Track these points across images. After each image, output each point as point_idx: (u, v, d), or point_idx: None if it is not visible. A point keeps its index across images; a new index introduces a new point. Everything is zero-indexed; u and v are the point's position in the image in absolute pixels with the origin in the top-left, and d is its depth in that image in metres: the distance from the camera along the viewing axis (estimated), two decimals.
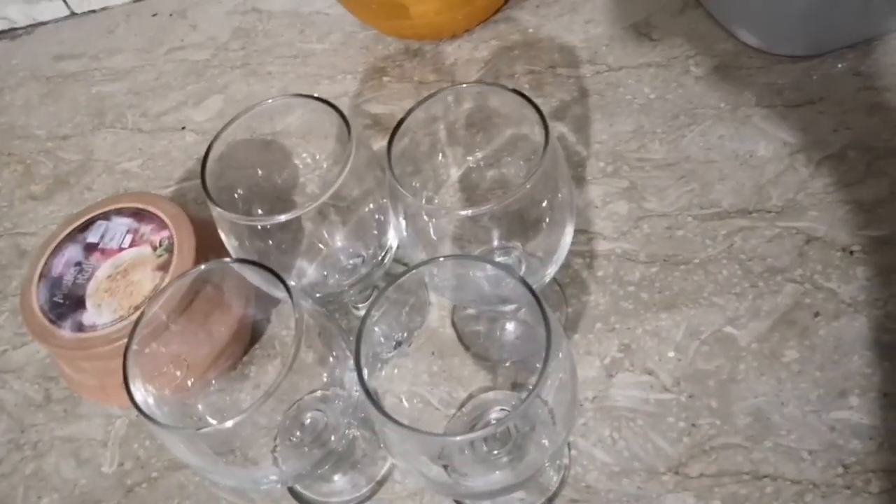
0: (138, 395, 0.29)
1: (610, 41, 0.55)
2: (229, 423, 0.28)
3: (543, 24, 0.58)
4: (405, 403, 0.41)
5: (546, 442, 0.31)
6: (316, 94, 0.58)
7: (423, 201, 0.41)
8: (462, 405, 0.41)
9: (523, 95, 0.34)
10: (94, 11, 0.72)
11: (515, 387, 0.42)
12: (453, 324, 0.44)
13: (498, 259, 0.39)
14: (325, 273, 0.42)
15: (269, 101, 0.38)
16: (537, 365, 0.40)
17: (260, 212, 0.42)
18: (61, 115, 0.65)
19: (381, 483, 0.41)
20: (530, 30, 0.58)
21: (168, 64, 0.66)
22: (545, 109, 0.52)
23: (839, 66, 0.50)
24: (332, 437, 0.35)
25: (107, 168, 0.60)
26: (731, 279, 0.43)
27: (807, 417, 0.38)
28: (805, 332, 0.40)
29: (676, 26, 0.55)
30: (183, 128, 0.61)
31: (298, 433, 0.37)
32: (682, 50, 0.53)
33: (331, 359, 0.35)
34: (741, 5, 0.51)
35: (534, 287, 0.30)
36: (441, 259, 0.30)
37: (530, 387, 0.41)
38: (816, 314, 0.41)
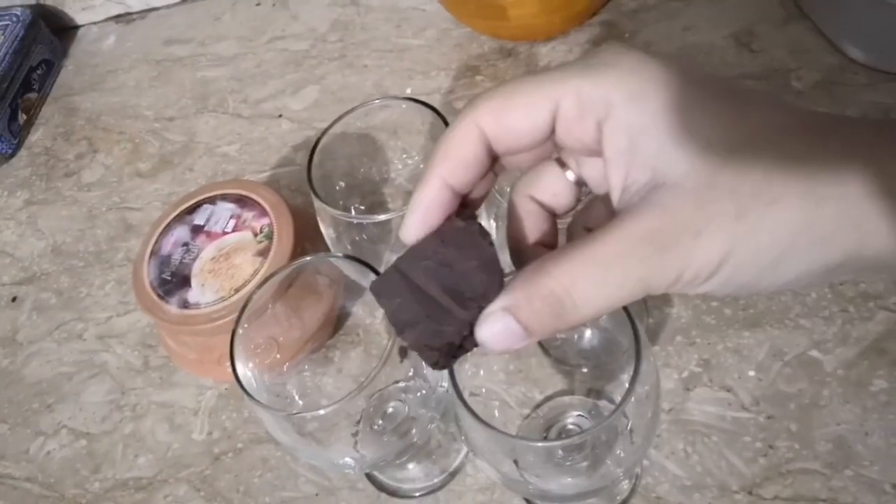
0: (242, 374, 0.32)
1: (708, 50, 0.54)
2: (322, 412, 0.30)
3: (640, 30, 0.57)
4: (481, 400, 0.42)
5: (623, 454, 0.32)
6: (409, 91, 0.60)
7: None
8: (537, 406, 0.42)
9: None
10: None
11: (591, 392, 0.42)
12: None
13: None
14: None
15: (377, 101, 0.39)
16: (618, 372, 0.41)
17: (357, 204, 0.44)
18: (168, 97, 0.68)
19: (453, 474, 0.42)
20: (626, 35, 0.58)
21: (269, 53, 0.68)
22: None
23: None
24: (414, 430, 0.36)
25: (207, 151, 0.63)
26: (821, 302, 0.42)
27: (892, 450, 0.37)
28: None
29: (779, 37, 0.53)
30: (280, 115, 0.63)
31: (381, 421, 0.39)
32: (784, 62, 0.52)
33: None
34: (851, 18, 0.49)
35: None
36: None
37: (608, 394, 0.42)
38: None
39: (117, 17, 0.78)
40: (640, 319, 0.44)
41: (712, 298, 0.44)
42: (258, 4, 0.73)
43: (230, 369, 0.32)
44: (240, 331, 0.32)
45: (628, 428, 0.32)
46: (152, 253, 0.45)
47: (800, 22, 0.54)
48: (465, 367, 0.43)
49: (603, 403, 0.41)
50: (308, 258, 0.34)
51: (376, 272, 0.32)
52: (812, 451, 0.38)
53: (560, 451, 0.35)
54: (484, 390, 0.43)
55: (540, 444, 0.28)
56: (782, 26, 0.54)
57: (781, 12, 0.55)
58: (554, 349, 0.44)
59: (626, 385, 0.29)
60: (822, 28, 0.52)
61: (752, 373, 0.41)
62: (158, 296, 0.43)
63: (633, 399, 0.29)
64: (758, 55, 0.53)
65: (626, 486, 0.39)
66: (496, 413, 0.40)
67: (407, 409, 0.39)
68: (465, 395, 0.40)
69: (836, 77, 0.50)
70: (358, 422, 0.37)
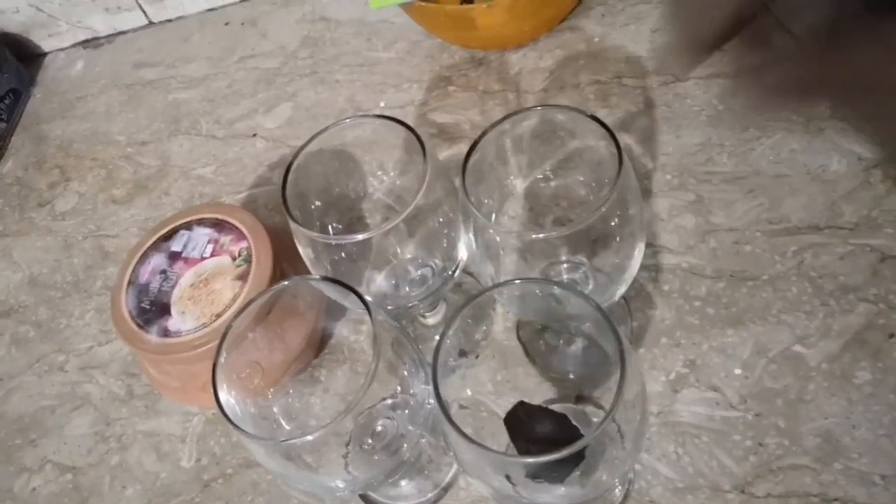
0: (227, 405, 0.31)
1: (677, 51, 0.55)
2: (310, 437, 0.30)
3: (609, 34, 0.58)
4: (470, 412, 0.42)
5: (615, 460, 0.32)
6: (383, 104, 0.60)
7: (493, 217, 0.42)
8: None
9: (600, 122, 0.34)
10: (170, 21, 0.75)
11: (579, 400, 0.42)
12: (518, 336, 0.45)
13: (565, 275, 0.40)
14: (394, 283, 0.43)
15: (348, 120, 0.39)
16: (604, 378, 0.41)
17: (335, 223, 0.44)
18: (140, 121, 0.68)
19: (446, 489, 0.42)
20: (595, 39, 0.58)
21: (240, 72, 0.68)
22: (610, 120, 0.53)
23: None
24: (404, 446, 0.36)
25: (182, 174, 0.62)
26: (801, 297, 0.43)
27: (879, 441, 0.37)
28: (878, 354, 0.40)
29: (746, 36, 0.54)
30: (254, 134, 0.63)
31: (370, 440, 0.38)
32: (752, 60, 0.52)
33: (402, 368, 0.36)
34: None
35: (603, 305, 0.30)
36: (517, 282, 0.31)
37: (595, 400, 0.42)
38: (891, 335, 0.40)
39: (84, 43, 0.77)
40: (623, 323, 0.44)
41: (695, 298, 0.44)
42: (227, 24, 0.73)
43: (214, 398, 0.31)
44: (221, 360, 0.32)
45: (618, 434, 0.32)
46: (130, 282, 0.44)
47: (765, 18, 0.54)
48: (453, 379, 0.43)
49: (590, 410, 0.41)
50: (286, 283, 0.33)
51: (357, 293, 0.32)
52: (801, 447, 0.38)
53: None
54: (472, 402, 0.43)
55: (530, 459, 0.28)
56: (748, 25, 0.55)
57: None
58: (540, 357, 0.44)
59: (614, 390, 0.29)
60: (787, 24, 0.53)
61: (738, 371, 0.41)
62: (138, 325, 0.43)
63: (621, 405, 0.29)
64: (725, 54, 0.53)
65: (619, 492, 0.39)
66: (485, 425, 0.40)
67: (396, 426, 0.39)
68: (454, 408, 0.40)
69: None
70: (347, 443, 0.37)
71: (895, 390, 0.39)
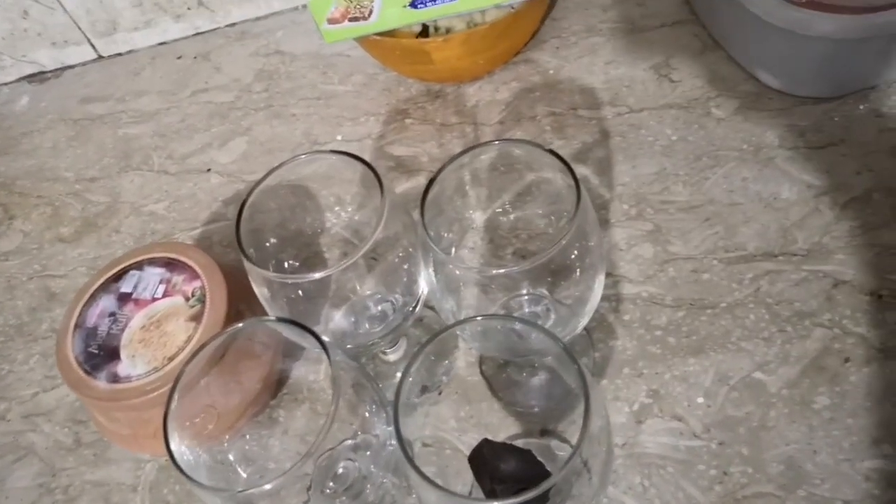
0: (179, 455, 0.30)
1: (630, 83, 0.56)
2: (268, 486, 0.28)
3: (563, 66, 0.58)
4: (434, 450, 0.41)
5: (582, 496, 0.31)
6: (339, 138, 0.60)
7: (453, 250, 0.41)
8: None
9: (558, 156, 0.35)
10: (120, 55, 0.74)
11: (544, 434, 0.42)
12: (481, 371, 0.44)
13: (526, 308, 0.39)
14: (354, 320, 0.42)
15: (303, 156, 0.39)
16: (568, 411, 0.41)
17: (291, 259, 0.43)
18: (88, 157, 0.66)
19: None
20: (551, 71, 0.59)
21: (193, 106, 0.67)
22: (567, 151, 0.53)
23: (861, 107, 0.50)
24: (368, 488, 0.35)
25: (134, 210, 0.61)
26: (759, 323, 0.43)
27: (840, 466, 0.38)
28: (835, 379, 0.40)
29: (697, 68, 0.55)
30: (208, 170, 0.61)
31: (332, 483, 0.37)
32: (703, 91, 0.54)
33: (363, 408, 0.36)
34: (761, 48, 0.51)
35: (565, 338, 0.30)
36: (479, 318, 0.30)
37: (560, 433, 0.41)
38: (846, 360, 0.41)
39: (30, 77, 0.75)
40: (585, 354, 0.44)
41: (656, 327, 0.44)
42: (179, 58, 0.72)
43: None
44: (173, 406, 0.30)
45: (585, 469, 0.31)
46: (76, 325, 0.42)
47: (715, 52, 0.56)
48: (415, 416, 0.42)
49: (555, 444, 0.41)
50: (241, 325, 0.32)
51: (314, 333, 0.31)
52: (765, 475, 0.38)
53: None
54: (436, 440, 0.42)
55: (496, 503, 0.27)
56: (699, 57, 0.56)
57: (697, 43, 0.57)
58: (504, 392, 0.44)
59: (578, 423, 0.28)
60: (736, 57, 0.54)
61: (700, 399, 0.41)
62: (85, 371, 0.41)
63: (587, 440, 0.29)
64: (678, 85, 0.55)
65: None
66: (449, 463, 0.39)
67: (358, 467, 0.38)
68: (417, 446, 0.39)
69: (754, 103, 0.52)
70: (308, 488, 0.35)
71: (853, 414, 0.39)
